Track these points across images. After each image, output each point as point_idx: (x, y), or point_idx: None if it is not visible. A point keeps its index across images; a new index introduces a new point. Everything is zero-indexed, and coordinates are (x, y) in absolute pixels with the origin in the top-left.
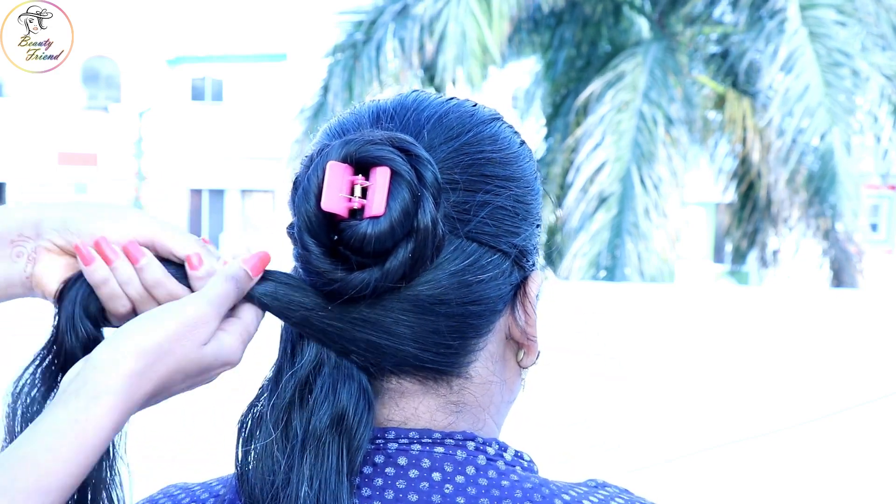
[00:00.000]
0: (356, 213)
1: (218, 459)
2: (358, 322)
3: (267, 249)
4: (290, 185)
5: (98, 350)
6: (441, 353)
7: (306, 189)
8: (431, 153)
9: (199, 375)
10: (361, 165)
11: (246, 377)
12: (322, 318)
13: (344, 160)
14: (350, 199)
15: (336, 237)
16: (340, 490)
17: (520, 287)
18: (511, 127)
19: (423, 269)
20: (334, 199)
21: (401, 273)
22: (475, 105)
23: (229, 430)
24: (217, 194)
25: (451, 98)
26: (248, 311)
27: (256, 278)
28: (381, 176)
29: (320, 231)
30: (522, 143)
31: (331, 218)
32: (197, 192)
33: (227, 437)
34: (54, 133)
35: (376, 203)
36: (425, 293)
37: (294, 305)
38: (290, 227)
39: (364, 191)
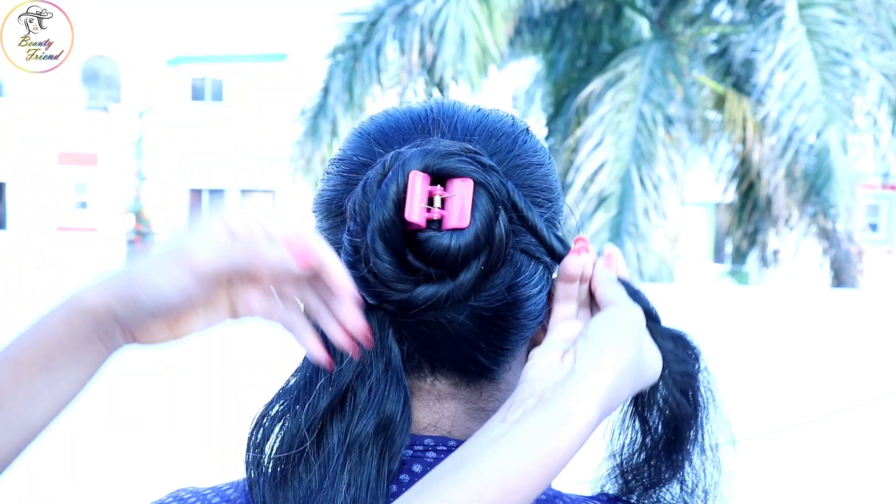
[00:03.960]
0: (431, 225)
1: (229, 464)
2: (415, 323)
3: None
4: (344, 192)
5: (581, 361)
6: (489, 357)
7: (384, 196)
8: None
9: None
10: (439, 176)
11: (252, 382)
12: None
13: (424, 170)
14: (430, 210)
15: (406, 247)
16: (378, 497)
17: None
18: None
19: (490, 281)
20: (418, 210)
21: (472, 286)
22: (507, 114)
23: (241, 435)
24: (217, 194)
25: (480, 106)
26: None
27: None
28: (463, 188)
29: (395, 240)
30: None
31: (405, 227)
32: (197, 192)
33: (239, 441)
34: (54, 133)
35: (458, 215)
36: (483, 305)
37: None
38: (344, 234)
39: (442, 202)
